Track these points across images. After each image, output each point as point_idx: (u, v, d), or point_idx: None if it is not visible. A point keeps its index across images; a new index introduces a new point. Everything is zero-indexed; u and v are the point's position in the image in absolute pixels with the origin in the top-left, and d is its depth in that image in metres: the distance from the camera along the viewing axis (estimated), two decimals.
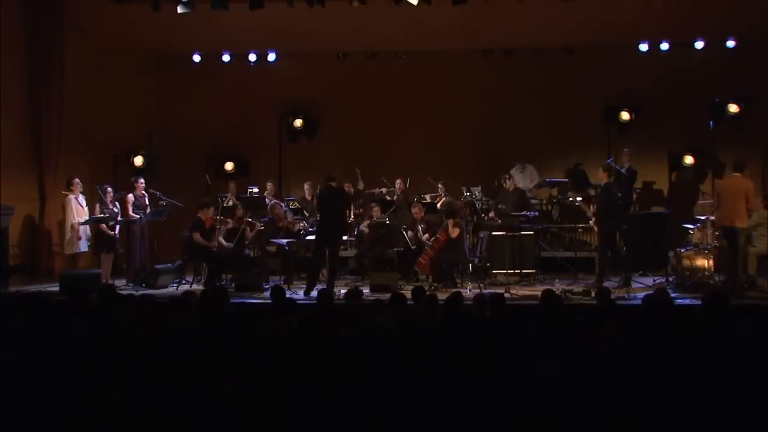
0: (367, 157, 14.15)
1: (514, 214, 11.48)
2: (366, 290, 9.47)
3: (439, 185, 12.52)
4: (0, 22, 10.64)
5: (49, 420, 4.36)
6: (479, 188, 12.55)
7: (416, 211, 11.31)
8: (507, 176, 12.14)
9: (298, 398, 4.43)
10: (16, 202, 10.73)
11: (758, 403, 4.20)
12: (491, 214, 11.75)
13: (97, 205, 10.97)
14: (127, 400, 4.44)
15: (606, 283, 9.43)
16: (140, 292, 9.41)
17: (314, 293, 9.47)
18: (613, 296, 8.66)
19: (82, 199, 11.06)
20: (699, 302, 6.85)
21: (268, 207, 11.69)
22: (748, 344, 4.85)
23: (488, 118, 14.02)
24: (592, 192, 12.09)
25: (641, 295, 9.03)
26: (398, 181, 12.95)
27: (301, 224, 11.49)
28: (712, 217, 10.19)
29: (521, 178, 12.83)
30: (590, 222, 10.73)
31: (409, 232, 11.22)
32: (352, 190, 13.12)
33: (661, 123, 13.22)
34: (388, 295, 7.09)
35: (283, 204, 12.00)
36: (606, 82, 13.52)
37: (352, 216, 12.69)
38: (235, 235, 10.81)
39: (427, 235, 10.87)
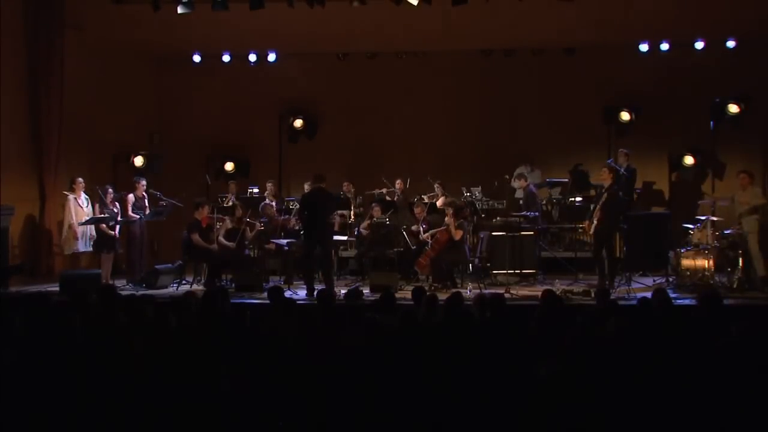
0: (368, 158, 14.17)
1: (514, 214, 11.48)
2: (366, 290, 9.46)
3: (436, 185, 12.53)
4: (0, 22, 10.63)
5: (49, 420, 4.36)
6: (479, 188, 12.55)
7: (418, 211, 11.32)
8: (510, 176, 12.13)
9: (297, 398, 4.43)
10: (16, 202, 10.74)
11: (754, 402, 4.21)
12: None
13: (97, 205, 10.98)
14: (128, 400, 4.44)
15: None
16: (140, 292, 9.43)
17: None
18: (613, 296, 8.71)
19: (83, 199, 11.07)
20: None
21: (260, 208, 11.69)
22: (744, 344, 4.85)
23: (488, 118, 14.03)
24: (593, 192, 12.08)
25: (641, 295, 9.08)
26: (398, 181, 12.96)
27: (293, 221, 11.50)
28: (713, 218, 10.19)
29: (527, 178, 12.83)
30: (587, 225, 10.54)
31: (413, 227, 11.25)
32: (352, 190, 13.12)
33: (661, 123, 13.23)
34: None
35: (274, 204, 12.00)
36: (606, 82, 13.51)
37: (353, 216, 12.68)
38: (235, 235, 10.81)
39: (427, 234, 10.87)
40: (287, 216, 11.71)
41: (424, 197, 12.52)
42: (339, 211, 11.71)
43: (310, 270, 10.09)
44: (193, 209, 10.86)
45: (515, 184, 12.60)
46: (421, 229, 11.02)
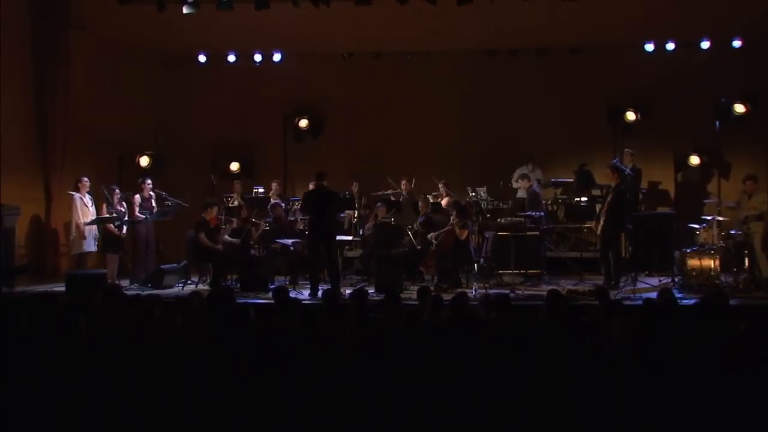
0: (372, 157, 14.16)
1: (520, 214, 11.47)
2: (371, 290, 9.46)
3: (440, 184, 12.52)
4: (5, 23, 10.66)
5: (54, 419, 4.37)
6: (484, 188, 12.54)
7: (422, 205, 11.33)
8: (508, 179, 12.15)
9: (302, 398, 4.43)
10: (22, 203, 10.74)
11: (759, 402, 4.20)
12: None
13: (104, 205, 11.00)
14: (133, 400, 4.45)
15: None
16: (146, 293, 9.44)
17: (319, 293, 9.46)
18: (618, 296, 8.69)
19: (88, 198, 11.09)
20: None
21: (269, 207, 11.71)
22: (750, 344, 4.84)
23: (493, 118, 14.01)
24: (598, 192, 12.08)
25: (646, 295, 9.06)
26: (404, 181, 12.95)
27: (300, 223, 11.50)
28: (719, 218, 10.16)
29: (531, 178, 12.82)
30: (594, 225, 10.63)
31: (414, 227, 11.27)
32: (356, 189, 13.11)
33: (666, 123, 13.19)
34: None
35: (283, 204, 12.02)
36: (611, 82, 13.47)
37: (356, 216, 12.67)
38: (240, 234, 10.82)
39: (432, 234, 10.85)
40: (294, 217, 11.72)
41: (429, 197, 12.52)
42: (346, 210, 11.71)
43: (315, 270, 10.07)
44: (202, 209, 10.87)
45: (518, 184, 12.59)
46: (419, 222, 10.96)
